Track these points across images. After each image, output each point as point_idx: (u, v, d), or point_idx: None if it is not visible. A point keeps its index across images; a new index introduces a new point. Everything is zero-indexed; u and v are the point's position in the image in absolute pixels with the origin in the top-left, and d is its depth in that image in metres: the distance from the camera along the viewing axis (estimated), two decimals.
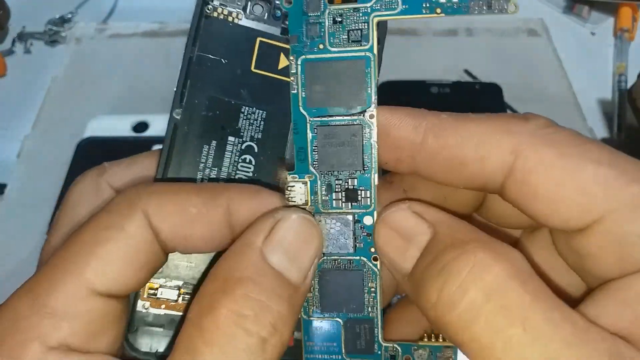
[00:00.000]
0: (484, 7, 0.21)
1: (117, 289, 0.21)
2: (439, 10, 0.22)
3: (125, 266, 0.21)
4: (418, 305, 0.20)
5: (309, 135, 0.23)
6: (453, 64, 0.68)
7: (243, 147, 0.26)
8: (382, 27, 0.23)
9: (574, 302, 0.19)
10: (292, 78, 0.23)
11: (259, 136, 0.26)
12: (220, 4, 0.25)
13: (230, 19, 0.25)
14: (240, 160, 0.26)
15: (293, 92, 0.23)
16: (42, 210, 0.55)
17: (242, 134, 0.26)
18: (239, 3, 0.25)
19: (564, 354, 0.17)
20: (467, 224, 0.21)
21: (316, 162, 0.23)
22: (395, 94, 0.60)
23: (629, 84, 0.66)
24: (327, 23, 0.22)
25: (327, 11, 0.22)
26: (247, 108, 0.25)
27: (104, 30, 0.75)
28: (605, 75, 0.68)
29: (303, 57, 0.23)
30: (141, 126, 0.61)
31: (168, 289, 0.25)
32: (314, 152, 0.23)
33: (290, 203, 0.23)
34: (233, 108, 0.25)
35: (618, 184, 0.19)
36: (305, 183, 0.23)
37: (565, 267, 0.22)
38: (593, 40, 0.74)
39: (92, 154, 0.59)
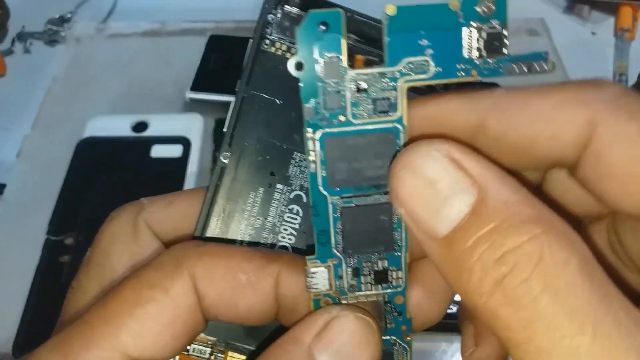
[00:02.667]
0: (525, 69, 0.19)
1: (152, 356, 0.20)
2: (474, 73, 0.19)
3: (164, 331, 0.20)
4: (453, 281, 0.18)
5: (332, 216, 0.20)
6: None
7: (291, 196, 0.24)
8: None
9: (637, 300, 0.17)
10: (309, 155, 0.20)
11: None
12: (279, 38, 0.23)
13: (288, 55, 0.23)
14: (287, 210, 0.24)
15: (311, 171, 0.20)
16: (42, 210, 0.55)
17: (291, 181, 0.24)
18: None
19: None
20: (520, 187, 0.18)
21: (340, 245, 0.21)
22: None
23: (630, 84, 0.66)
24: (348, 92, 0.19)
25: (347, 77, 0.19)
26: (299, 154, 0.24)
27: (103, 30, 0.74)
28: (605, 75, 0.68)
29: (322, 131, 0.19)
30: (141, 126, 0.61)
31: (200, 345, 0.24)
32: (337, 235, 0.21)
33: (313, 290, 0.21)
34: (284, 153, 0.24)
35: None
36: (328, 267, 0.21)
37: (622, 265, 0.21)
38: (593, 40, 0.73)
39: (92, 153, 0.59)
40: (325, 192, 0.20)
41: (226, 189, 0.24)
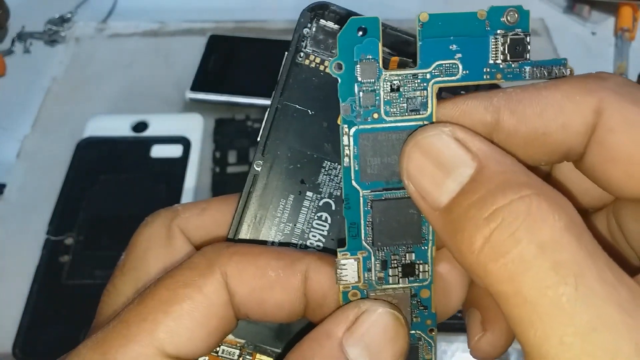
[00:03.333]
0: (545, 73, 0.21)
1: (186, 353, 0.20)
2: (499, 76, 0.21)
3: (198, 328, 0.20)
4: (451, 245, 0.19)
5: (362, 209, 0.22)
6: None
7: (320, 203, 0.24)
8: None
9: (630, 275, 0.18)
10: (344, 150, 0.21)
11: (338, 193, 0.24)
12: (313, 51, 0.24)
13: (322, 67, 0.24)
14: (316, 218, 0.24)
15: (345, 165, 0.21)
16: (42, 210, 0.55)
17: (321, 189, 0.24)
18: (332, 51, 0.24)
19: (617, 319, 0.16)
20: (517, 162, 0.19)
21: (370, 237, 0.22)
22: None
23: None
24: (382, 91, 0.21)
25: (382, 78, 0.21)
26: (329, 163, 0.24)
27: (103, 30, 0.74)
28: None
29: (356, 127, 0.21)
30: (141, 126, 0.61)
31: (229, 347, 0.24)
32: (367, 227, 0.22)
33: (342, 282, 0.22)
34: (315, 162, 0.24)
35: None
36: (357, 260, 0.22)
37: (621, 253, 0.22)
38: (593, 40, 0.74)
39: (92, 153, 0.59)
40: (357, 186, 0.21)
41: (258, 195, 0.24)
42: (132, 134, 0.61)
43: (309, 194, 0.25)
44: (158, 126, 0.61)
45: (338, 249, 0.22)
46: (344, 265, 0.22)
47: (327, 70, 0.24)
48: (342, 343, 0.20)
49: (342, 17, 0.24)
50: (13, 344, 0.48)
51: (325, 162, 0.24)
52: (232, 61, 0.67)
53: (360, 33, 0.20)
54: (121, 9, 0.78)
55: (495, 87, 0.21)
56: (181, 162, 0.58)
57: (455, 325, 0.47)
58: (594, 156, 0.20)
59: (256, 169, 0.24)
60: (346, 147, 0.21)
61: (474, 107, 0.20)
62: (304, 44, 0.24)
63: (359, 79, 0.21)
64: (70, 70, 0.69)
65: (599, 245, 0.17)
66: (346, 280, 0.22)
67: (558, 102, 0.20)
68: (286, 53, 0.24)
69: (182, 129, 0.61)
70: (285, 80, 0.24)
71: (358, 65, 0.21)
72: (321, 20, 0.24)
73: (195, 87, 0.64)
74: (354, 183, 0.21)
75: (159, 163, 0.59)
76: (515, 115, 0.20)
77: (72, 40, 0.73)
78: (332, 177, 0.24)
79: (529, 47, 0.21)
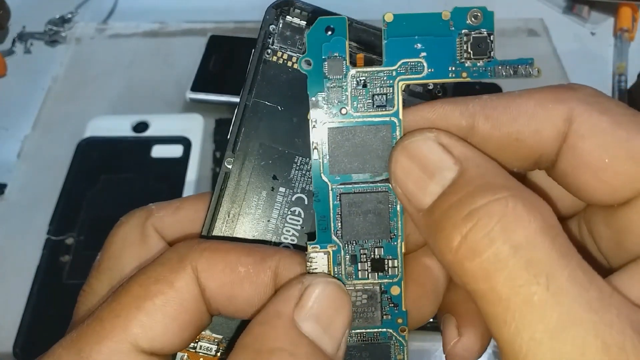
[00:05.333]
0: (511, 72, 0.21)
1: (161, 347, 0.21)
2: (464, 75, 0.21)
3: (171, 322, 0.21)
4: (432, 245, 0.20)
5: (332, 203, 0.22)
6: None
7: (293, 198, 0.25)
8: None
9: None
10: (313, 144, 0.22)
11: (311, 188, 0.25)
12: (280, 48, 0.24)
13: (289, 63, 0.24)
14: (289, 213, 0.25)
15: (314, 159, 0.22)
16: (42, 210, 0.55)
17: (293, 184, 0.25)
18: (299, 47, 0.24)
19: (585, 317, 0.16)
20: (498, 167, 0.20)
21: (339, 231, 0.22)
22: None
23: (629, 84, 0.66)
24: (349, 87, 0.21)
25: (349, 75, 0.21)
26: (300, 158, 0.25)
27: (104, 30, 0.75)
28: (605, 75, 0.68)
29: (325, 122, 0.22)
30: (141, 126, 0.62)
31: (207, 343, 0.24)
32: (336, 221, 0.22)
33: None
34: (286, 157, 0.25)
35: None
36: (327, 253, 0.22)
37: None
38: (593, 40, 0.74)
39: (92, 153, 0.59)
40: (326, 179, 0.22)
41: (230, 193, 0.25)
42: (132, 134, 0.61)
43: (281, 189, 0.25)
44: (158, 126, 0.61)
45: (308, 242, 0.22)
46: (314, 258, 0.22)
47: (296, 66, 0.24)
48: (294, 319, 0.20)
49: (308, 13, 0.24)
50: (14, 343, 0.48)
51: (297, 157, 0.25)
52: (232, 61, 0.67)
53: (329, 32, 0.21)
54: (121, 10, 0.78)
55: (494, 86, 0.21)
56: (182, 162, 0.59)
57: None
58: (566, 162, 0.20)
59: (227, 166, 0.25)
60: (315, 142, 0.22)
61: (450, 111, 0.21)
62: (270, 40, 0.24)
63: (327, 75, 0.21)
64: (71, 71, 0.70)
65: (573, 246, 0.18)
66: (316, 273, 0.22)
67: (531, 109, 0.20)
68: (253, 50, 0.24)
69: (182, 129, 0.61)
70: (253, 78, 0.24)
71: (326, 62, 0.21)
72: (287, 16, 0.24)
73: (195, 88, 0.64)
74: (323, 176, 0.22)
75: (159, 163, 0.59)
76: (489, 121, 0.21)
77: (73, 41, 0.73)
78: (304, 172, 0.25)
79: (492, 45, 0.21)
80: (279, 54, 0.24)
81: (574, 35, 0.74)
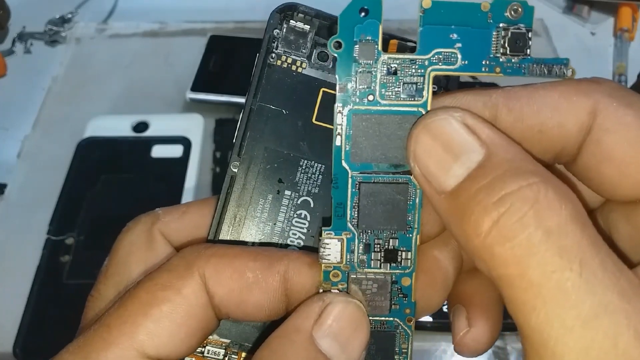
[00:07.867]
0: (545, 71, 0.21)
1: (167, 354, 0.21)
2: (498, 70, 0.21)
3: (178, 329, 0.21)
4: (455, 228, 0.19)
5: (350, 191, 0.22)
6: None
7: (299, 201, 0.25)
8: None
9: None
10: (336, 129, 0.21)
11: (316, 191, 0.25)
12: (285, 52, 0.24)
13: (294, 67, 0.24)
14: (295, 216, 0.25)
15: (336, 144, 0.21)
16: (43, 210, 0.55)
17: (299, 188, 0.25)
18: (303, 51, 0.24)
19: (618, 305, 0.16)
20: (524, 152, 0.20)
21: (355, 219, 0.22)
22: None
23: (629, 84, 0.66)
24: (379, 73, 0.21)
25: (380, 60, 0.21)
26: (305, 161, 0.25)
27: (104, 30, 0.75)
28: (605, 75, 0.68)
29: (350, 107, 0.21)
30: (141, 126, 0.62)
31: (215, 347, 0.24)
32: (353, 209, 0.22)
33: (324, 261, 0.22)
34: (291, 161, 0.25)
35: None
36: (341, 240, 0.22)
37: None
38: (593, 40, 0.74)
39: (92, 154, 0.59)
40: (346, 166, 0.21)
41: (236, 196, 0.25)
42: (132, 134, 0.61)
43: (287, 192, 0.25)
44: (158, 126, 0.61)
45: (322, 227, 0.22)
46: (328, 244, 0.22)
47: (300, 70, 0.24)
48: (313, 336, 0.21)
49: (312, 17, 0.24)
50: (14, 343, 0.48)
51: (302, 160, 0.25)
52: (232, 61, 0.67)
53: (363, 14, 0.20)
54: (121, 10, 0.78)
55: (493, 85, 0.21)
56: (182, 162, 0.59)
57: None
58: (589, 156, 0.20)
59: (233, 170, 0.25)
60: (339, 127, 0.21)
61: (473, 102, 0.21)
62: (274, 45, 0.24)
63: (357, 59, 0.21)
64: (71, 71, 0.70)
65: (600, 236, 0.18)
66: (328, 260, 0.22)
67: (555, 101, 0.20)
68: (257, 54, 0.24)
69: (182, 129, 0.61)
70: (258, 82, 0.24)
71: (357, 45, 0.21)
72: (291, 21, 0.24)
73: (195, 87, 0.64)
74: (343, 163, 0.21)
75: (159, 163, 0.59)
76: (512, 113, 0.20)
77: (73, 41, 0.73)
78: (309, 176, 0.25)
79: (530, 42, 0.21)
80: (283, 58, 0.24)
81: (574, 35, 0.74)
